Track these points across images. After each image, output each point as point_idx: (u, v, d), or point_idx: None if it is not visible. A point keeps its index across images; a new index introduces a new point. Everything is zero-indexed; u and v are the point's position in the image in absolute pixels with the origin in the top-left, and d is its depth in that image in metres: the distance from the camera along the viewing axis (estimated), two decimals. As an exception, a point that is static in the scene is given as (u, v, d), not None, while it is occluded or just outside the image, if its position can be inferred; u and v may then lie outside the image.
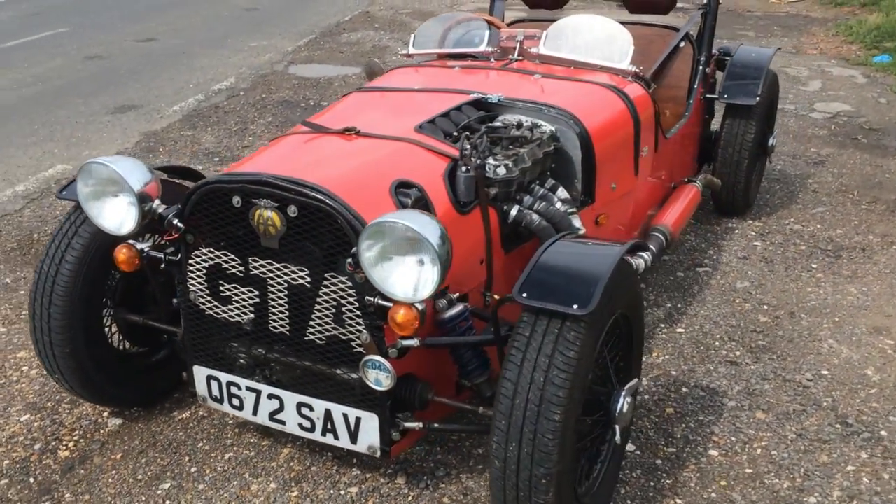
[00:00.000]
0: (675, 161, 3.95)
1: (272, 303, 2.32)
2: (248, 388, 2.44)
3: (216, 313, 2.42)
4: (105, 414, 2.94)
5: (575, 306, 1.95)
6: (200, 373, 2.51)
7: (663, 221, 3.50)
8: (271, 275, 2.29)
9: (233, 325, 2.40)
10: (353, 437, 2.32)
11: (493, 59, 3.56)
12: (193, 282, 2.42)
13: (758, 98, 4.19)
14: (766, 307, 3.65)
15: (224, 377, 2.47)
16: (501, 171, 2.52)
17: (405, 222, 1.96)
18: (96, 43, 9.85)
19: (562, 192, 2.81)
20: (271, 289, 2.31)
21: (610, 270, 2.02)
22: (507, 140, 2.64)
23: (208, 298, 2.41)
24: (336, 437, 2.36)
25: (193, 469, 2.66)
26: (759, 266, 4.03)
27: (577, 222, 2.81)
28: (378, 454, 2.32)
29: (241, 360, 2.42)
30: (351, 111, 2.97)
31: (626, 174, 3.25)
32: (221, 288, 2.38)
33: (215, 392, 2.51)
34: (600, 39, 3.48)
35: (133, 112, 6.93)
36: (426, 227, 1.96)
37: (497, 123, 2.76)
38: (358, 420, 2.30)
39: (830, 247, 4.23)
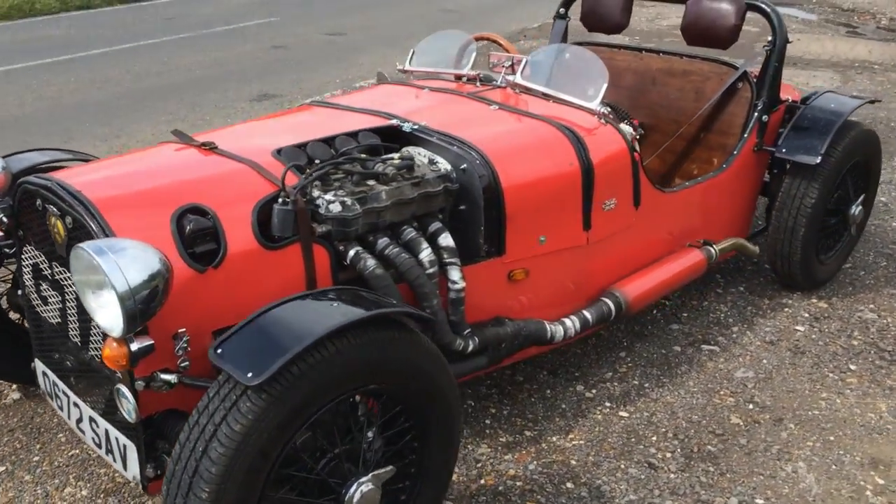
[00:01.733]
0: (691, 219, 3.40)
1: (68, 311, 2.29)
2: (63, 392, 2.43)
3: (41, 311, 2.44)
4: (14, 388, 3.08)
5: (249, 374, 1.72)
6: (39, 366, 2.55)
7: (622, 286, 3.03)
8: (67, 283, 2.26)
9: (54, 326, 2.41)
10: (124, 463, 2.24)
11: (478, 83, 3.28)
12: (25, 276, 2.46)
13: (821, 156, 3.50)
14: (751, 407, 3.05)
15: (51, 375, 2.48)
16: (336, 207, 2.30)
17: (91, 252, 1.83)
18: (292, 34, 10.49)
19: (444, 239, 2.51)
20: (67, 297, 2.28)
21: (305, 341, 1.75)
22: (359, 175, 2.40)
23: (35, 295, 2.44)
24: (114, 460, 2.28)
25: (36, 458, 2.72)
26: (783, 356, 3.38)
27: (454, 274, 2.50)
28: (140, 487, 2.21)
29: (66, 362, 2.42)
30: (252, 126, 2.86)
31: (567, 228, 2.84)
32: (42, 286, 2.39)
33: (47, 388, 2.53)
34: (575, 73, 3.09)
35: (268, 101, 7.27)
36: (116, 261, 1.81)
37: (360, 156, 2.51)
38: (125, 447, 2.21)
39: (893, 348, 3.45)
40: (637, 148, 3.01)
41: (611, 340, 3.47)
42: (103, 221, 2.05)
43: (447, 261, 2.51)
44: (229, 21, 11.43)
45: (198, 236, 2.13)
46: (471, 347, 2.57)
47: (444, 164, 2.57)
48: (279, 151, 2.45)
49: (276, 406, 1.75)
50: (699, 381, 3.20)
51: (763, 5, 3.62)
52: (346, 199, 2.31)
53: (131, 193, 2.19)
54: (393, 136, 2.75)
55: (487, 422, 2.92)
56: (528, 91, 3.14)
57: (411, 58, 3.55)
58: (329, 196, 2.31)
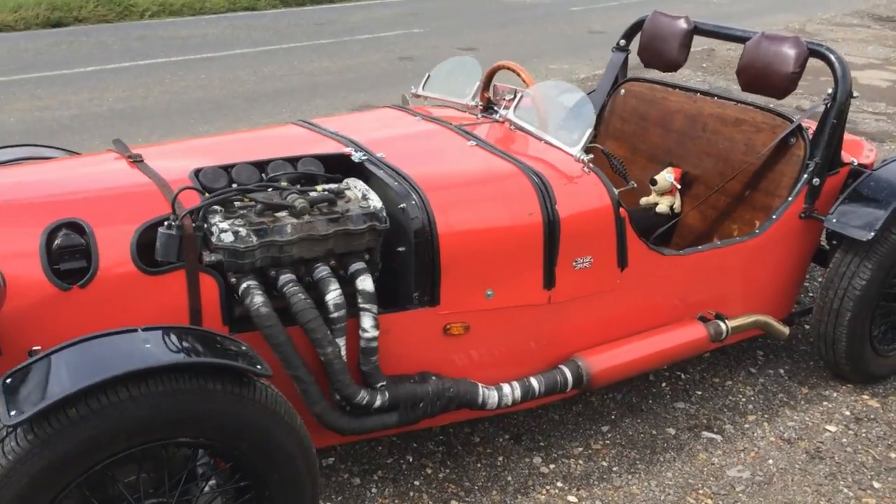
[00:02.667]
0: (705, 288, 2.99)
1: None
2: None
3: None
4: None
5: (13, 412, 1.61)
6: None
7: (588, 355, 2.69)
8: None
9: None
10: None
11: (479, 115, 3.05)
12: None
13: (874, 233, 2.98)
14: (728, 515, 2.63)
15: None
16: (228, 237, 2.15)
17: None
18: (426, 45, 10.53)
19: (361, 282, 2.31)
20: None
21: (81, 384, 1.62)
22: (262, 205, 2.24)
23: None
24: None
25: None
26: (796, 458, 2.90)
27: (365, 321, 2.30)
28: None
29: None
30: (207, 141, 2.79)
31: (522, 284, 2.56)
32: None
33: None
34: (562, 115, 2.78)
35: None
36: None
37: (277, 184, 2.34)
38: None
39: (940, 469, 2.88)
40: (622, 203, 2.67)
41: (598, 410, 3.11)
42: None
43: (361, 306, 2.31)
44: (374, 30, 11.63)
45: (65, 253, 2.06)
46: (378, 402, 2.35)
47: (375, 202, 2.37)
48: (197, 172, 2.35)
49: (43, 450, 1.63)
50: (680, 473, 2.80)
51: (826, 51, 3.14)
52: (240, 229, 2.17)
53: (16, 201, 2.16)
54: (347, 166, 2.58)
55: (416, 483, 2.68)
56: (520, 128, 2.88)
57: (425, 83, 3.37)
58: (224, 224, 2.17)
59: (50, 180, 2.33)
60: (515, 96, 2.94)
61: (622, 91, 3.88)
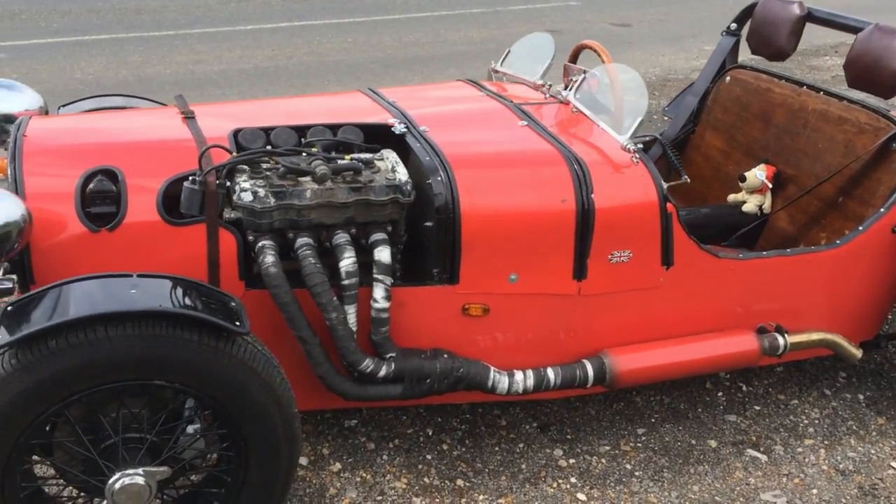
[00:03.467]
0: (767, 297, 2.78)
1: None
2: None
3: None
4: None
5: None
6: None
7: (617, 353, 2.57)
8: None
9: None
10: None
11: (547, 95, 2.97)
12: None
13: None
14: (747, 539, 2.46)
15: None
16: (247, 196, 2.23)
17: None
18: (578, 19, 10.32)
19: (378, 253, 2.32)
20: None
21: (59, 319, 1.75)
22: (286, 169, 2.29)
23: None
24: None
25: None
26: (845, 492, 2.67)
27: (377, 292, 2.32)
28: None
29: None
30: (264, 104, 2.88)
31: (550, 272, 2.48)
32: None
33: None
34: (618, 100, 2.65)
35: None
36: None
37: (310, 150, 2.38)
38: None
39: None
40: (670, 198, 2.52)
41: (640, 411, 2.99)
42: (19, 168, 2.21)
43: (375, 276, 2.33)
44: (530, 1, 11.50)
45: (98, 197, 2.21)
46: (383, 372, 2.37)
47: (401, 175, 2.37)
48: (237, 132, 2.44)
49: (22, 374, 1.77)
50: (708, 489, 2.65)
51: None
52: (260, 189, 2.24)
53: (65, 146, 2.34)
54: (389, 136, 2.60)
55: (429, 456, 2.69)
56: (580, 111, 2.78)
57: (504, 58, 3.32)
58: (246, 184, 2.25)
59: (102, 128, 2.50)
60: (581, 78, 2.83)
61: (727, 78, 3.65)
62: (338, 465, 2.63)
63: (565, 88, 2.93)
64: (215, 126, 2.49)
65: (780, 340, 2.75)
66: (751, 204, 3.34)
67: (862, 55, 2.97)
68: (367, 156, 2.44)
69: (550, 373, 2.52)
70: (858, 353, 2.91)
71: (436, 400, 2.53)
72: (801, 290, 2.85)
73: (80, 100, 3.08)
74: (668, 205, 2.52)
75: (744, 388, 3.16)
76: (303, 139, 2.49)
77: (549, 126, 2.70)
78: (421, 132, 2.57)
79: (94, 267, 2.18)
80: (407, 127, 2.59)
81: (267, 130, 2.47)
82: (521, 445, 2.78)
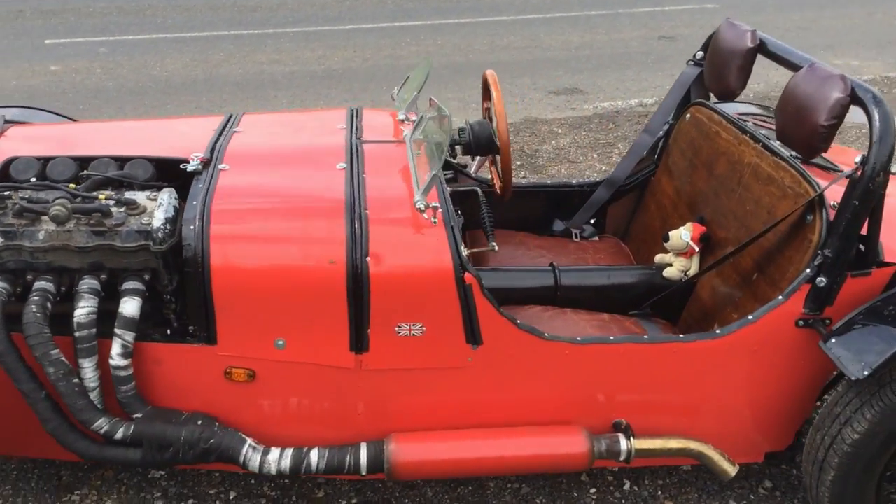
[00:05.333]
0: (625, 389, 2.32)
1: None
2: None
3: None
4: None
5: None
6: None
7: (401, 440, 2.21)
8: None
9: None
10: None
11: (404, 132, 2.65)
12: None
13: (869, 371, 2.06)
14: None
15: None
16: (-26, 235, 2.11)
17: None
18: (706, 24, 9.52)
19: (123, 305, 2.12)
20: None
21: None
22: (21, 207, 2.12)
23: None
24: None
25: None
26: None
27: (114, 348, 2.13)
28: None
29: None
30: (103, 126, 2.75)
31: (322, 341, 2.17)
32: None
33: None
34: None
35: (567, 96, 6.80)
36: None
37: (61, 186, 2.20)
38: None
39: None
40: (468, 267, 2.13)
41: (487, 498, 2.60)
42: None
43: (115, 330, 2.14)
44: (659, 3, 10.77)
45: None
46: (119, 435, 2.18)
47: (158, 220, 2.15)
48: (11, 161, 2.32)
49: None
50: None
51: (871, 100, 2.19)
52: (-9, 229, 2.11)
53: None
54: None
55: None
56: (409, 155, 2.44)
57: (403, 84, 3.00)
58: (-29, 222, 2.13)
59: None
60: (421, 116, 2.49)
61: (688, 116, 3.12)
62: (113, 521, 2.47)
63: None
64: (12, 149, 2.39)
65: (622, 444, 2.28)
66: (674, 269, 2.83)
67: (789, 101, 2.39)
68: (133, 195, 2.24)
69: (314, 455, 2.22)
70: (732, 469, 2.35)
71: (205, 466, 2.31)
72: (666, 387, 2.35)
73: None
74: (467, 275, 2.13)
75: (627, 486, 2.67)
76: (84, 171, 2.34)
77: (372, 173, 2.38)
78: (217, 170, 2.34)
79: None
80: (206, 164, 2.37)
81: (43, 160, 2.34)
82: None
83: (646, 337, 2.31)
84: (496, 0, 10.78)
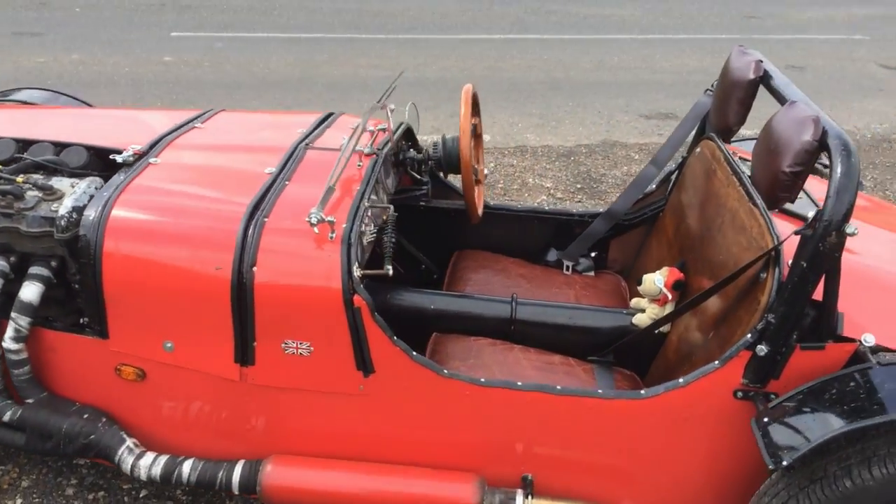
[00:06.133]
0: (535, 441, 2.10)
1: None
2: None
3: None
4: None
5: None
6: None
7: (279, 463, 2.08)
8: None
9: None
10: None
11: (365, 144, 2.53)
12: None
13: (789, 462, 1.75)
14: None
15: None
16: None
17: None
18: (841, 56, 8.83)
19: (23, 290, 2.12)
20: None
21: None
22: None
23: None
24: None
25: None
26: None
27: (8, 331, 2.14)
28: None
29: None
30: (79, 113, 2.82)
31: (207, 349, 2.08)
32: None
33: None
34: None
35: (658, 121, 6.44)
36: None
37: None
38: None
39: None
40: (359, 290, 1.98)
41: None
42: None
43: (11, 314, 2.14)
44: (803, 30, 10.05)
45: None
46: (7, 417, 2.19)
47: (65, 209, 2.14)
48: None
49: None
50: None
51: (838, 147, 1.85)
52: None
53: None
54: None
55: (111, 520, 2.43)
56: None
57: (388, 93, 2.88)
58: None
59: None
60: (357, 126, 2.35)
61: (698, 150, 2.82)
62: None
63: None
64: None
65: (518, 501, 2.05)
66: (644, 316, 2.54)
67: (760, 143, 2.08)
68: (59, 181, 2.24)
69: (186, 466, 2.14)
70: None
71: (92, 459, 2.28)
72: (581, 445, 2.10)
73: (14, 90, 3.26)
74: (356, 297, 1.98)
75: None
76: (21, 154, 2.37)
77: (298, 180, 2.27)
78: (146, 163, 2.31)
79: None
80: (140, 156, 2.35)
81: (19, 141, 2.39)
82: (218, 536, 2.40)
83: (558, 388, 2.06)
84: (626, 18, 10.43)
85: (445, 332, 2.55)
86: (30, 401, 2.20)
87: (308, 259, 2.02)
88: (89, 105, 3.28)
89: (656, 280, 2.50)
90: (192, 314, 2.07)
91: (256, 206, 2.11)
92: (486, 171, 2.91)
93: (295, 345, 2.05)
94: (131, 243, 2.08)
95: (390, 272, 2.08)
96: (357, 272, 1.99)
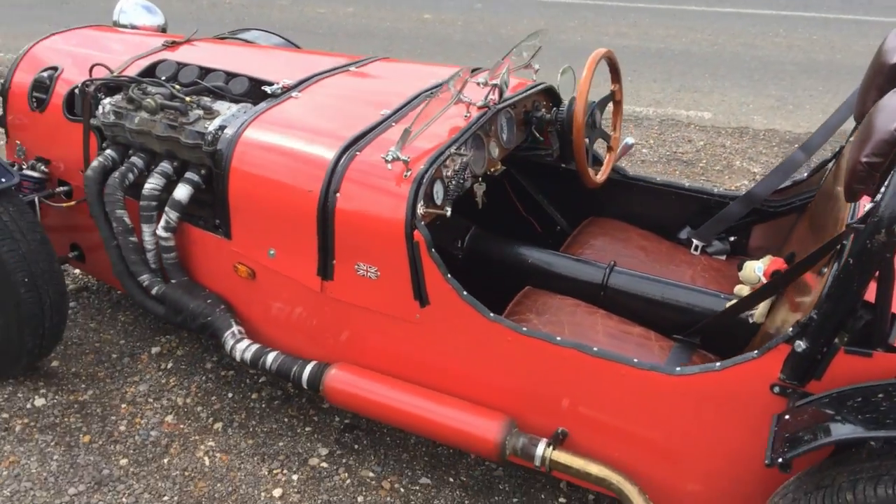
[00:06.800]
0: (568, 397, 2.16)
1: None
2: None
3: None
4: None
5: None
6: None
7: (342, 366, 2.35)
8: None
9: None
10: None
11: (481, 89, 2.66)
12: None
13: (781, 461, 1.67)
14: None
15: None
16: (100, 110, 2.69)
17: None
18: None
19: (176, 190, 2.56)
20: None
21: None
22: (137, 97, 2.61)
23: None
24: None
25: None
26: None
27: (161, 223, 2.60)
28: None
29: None
30: (244, 51, 3.18)
31: (298, 259, 2.35)
32: None
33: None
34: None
35: (768, 100, 5.75)
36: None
37: (169, 85, 2.65)
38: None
39: None
40: (419, 226, 2.15)
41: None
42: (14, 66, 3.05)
43: (165, 208, 2.60)
44: None
45: (36, 86, 2.92)
46: (154, 291, 2.65)
47: (213, 126, 2.53)
48: (157, 63, 2.88)
49: None
50: None
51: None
52: (119, 109, 2.67)
53: (62, 50, 3.07)
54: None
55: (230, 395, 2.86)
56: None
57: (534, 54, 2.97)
58: (106, 100, 2.72)
59: (107, 39, 3.17)
60: (464, 79, 2.48)
61: (851, 139, 2.62)
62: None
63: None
64: (182, 55, 2.97)
65: (539, 450, 2.14)
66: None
67: (865, 125, 1.92)
68: (220, 104, 2.64)
69: (270, 357, 2.46)
70: (643, 506, 2.04)
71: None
72: (610, 408, 2.12)
73: (244, 30, 3.77)
74: (416, 233, 2.17)
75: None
76: (199, 80, 2.81)
77: (407, 122, 2.47)
78: (287, 96, 2.64)
79: (32, 138, 2.94)
80: (286, 90, 2.68)
81: (182, 64, 2.86)
82: (307, 428, 2.74)
83: (594, 349, 2.09)
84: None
85: (540, 287, 2.64)
86: (173, 281, 2.66)
87: (381, 192, 2.22)
88: (297, 47, 3.70)
89: (756, 268, 2.40)
90: (290, 229, 2.37)
91: (355, 140, 2.35)
92: (637, 143, 2.91)
93: (365, 268, 2.28)
94: (251, 160, 2.42)
95: (448, 213, 2.22)
96: (421, 209, 2.17)
